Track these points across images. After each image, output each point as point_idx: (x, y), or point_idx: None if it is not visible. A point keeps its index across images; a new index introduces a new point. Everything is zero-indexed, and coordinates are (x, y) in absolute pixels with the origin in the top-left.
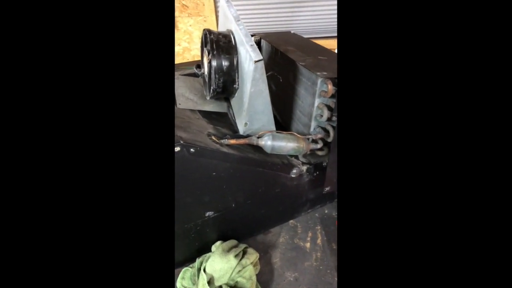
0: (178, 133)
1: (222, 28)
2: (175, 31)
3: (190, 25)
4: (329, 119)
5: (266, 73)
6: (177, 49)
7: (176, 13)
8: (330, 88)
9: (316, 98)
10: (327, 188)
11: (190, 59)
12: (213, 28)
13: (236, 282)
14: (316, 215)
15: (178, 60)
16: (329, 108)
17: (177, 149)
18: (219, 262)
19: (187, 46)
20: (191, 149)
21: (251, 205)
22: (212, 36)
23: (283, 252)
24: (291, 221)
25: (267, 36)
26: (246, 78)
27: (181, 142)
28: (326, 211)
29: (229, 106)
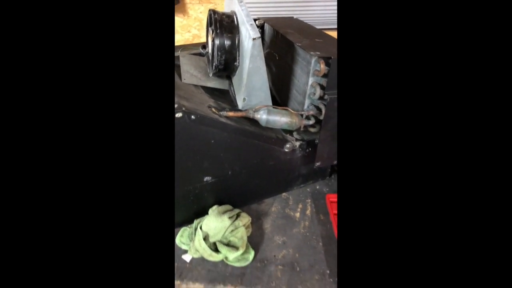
0: (181, 101)
1: (227, 10)
2: (186, 18)
3: (201, 12)
4: (321, 98)
5: (264, 51)
6: (187, 36)
7: (187, 0)
8: (323, 67)
9: (310, 77)
10: (317, 163)
11: None
12: None
13: (229, 240)
14: (308, 190)
15: None
16: (322, 86)
17: (179, 115)
18: (214, 221)
19: (197, 33)
20: (192, 116)
21: (246, 175)
22: (216, 16)
23: (274, 220)
24: (283, 193)
25: (270, 20)
26: (245, 55)
27: (184, 109)
28: (317, 187)
29: (230, 83)
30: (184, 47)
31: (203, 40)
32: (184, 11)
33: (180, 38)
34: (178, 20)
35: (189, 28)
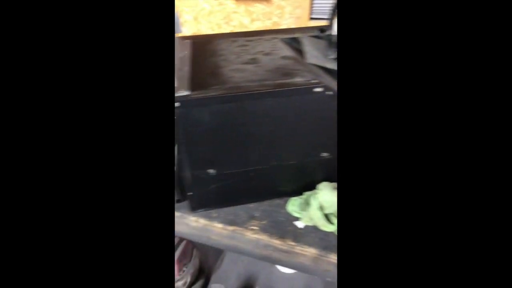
0: (318, 79)
1: None
2: (269, 5)
3: (283, 0)
4: None
5: None
6: (267, 23)
7: None
8: None
9: None
10: None
11: None
12: (305, 3)
13: None
14: None
15: None
16: None
17: (319, 89)
18: (329, 195)
19: (277, 21)
20: (329, 92)
21: None
22: None
23: None
24: None
25: None
26: None
27: (323, 85)
28: None
29: None
30: (302, 31)
31: (283, 27)
32: None
33: (261, 25)
34: (260, 7)
35: (271, 15)
